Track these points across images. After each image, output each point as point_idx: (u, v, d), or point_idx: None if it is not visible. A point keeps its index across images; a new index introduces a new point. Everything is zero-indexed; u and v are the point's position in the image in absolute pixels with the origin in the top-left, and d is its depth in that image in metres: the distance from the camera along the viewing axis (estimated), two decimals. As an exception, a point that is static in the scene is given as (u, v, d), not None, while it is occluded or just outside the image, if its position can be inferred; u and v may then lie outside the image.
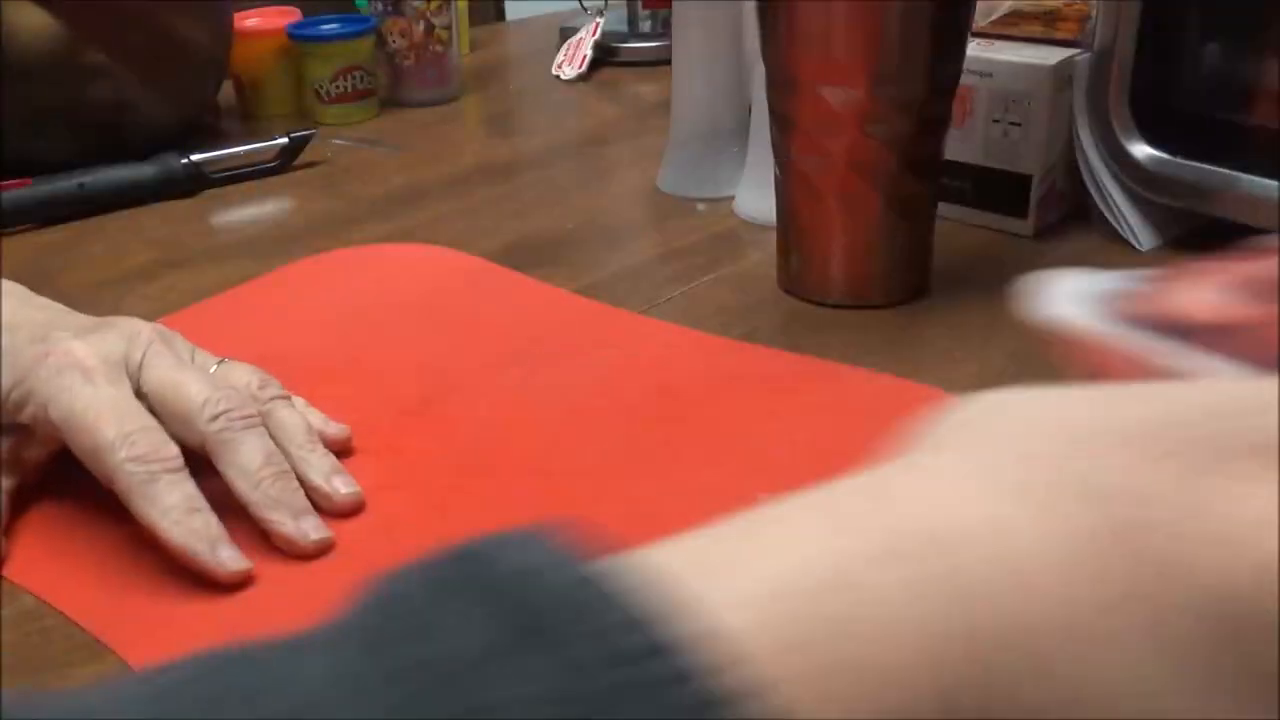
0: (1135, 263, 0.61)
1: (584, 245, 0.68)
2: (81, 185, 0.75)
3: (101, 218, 0.75)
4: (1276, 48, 0.57)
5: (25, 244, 0.72)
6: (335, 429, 0.46)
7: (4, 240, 0.72)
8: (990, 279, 0.60)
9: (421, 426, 0.48)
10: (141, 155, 0.78)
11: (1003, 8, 0.65)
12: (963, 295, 0.58)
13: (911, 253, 0.58)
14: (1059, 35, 0.63)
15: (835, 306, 0.57)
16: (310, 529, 0.40)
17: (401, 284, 0.62)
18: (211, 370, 0.45)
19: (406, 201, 0.76)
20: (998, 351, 0.52)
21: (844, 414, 0.47)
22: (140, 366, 0.42)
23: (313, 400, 0.48)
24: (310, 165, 0.84)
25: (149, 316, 0.59)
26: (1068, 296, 0.25)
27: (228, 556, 0.39)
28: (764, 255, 0.64)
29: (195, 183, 0.79)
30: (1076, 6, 0.63)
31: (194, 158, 0.79)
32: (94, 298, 0.63)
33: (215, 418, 0.41)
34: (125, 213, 0.76)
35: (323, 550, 0.40)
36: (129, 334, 0.43)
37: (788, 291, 0.60)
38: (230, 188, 0.80)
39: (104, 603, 0.39)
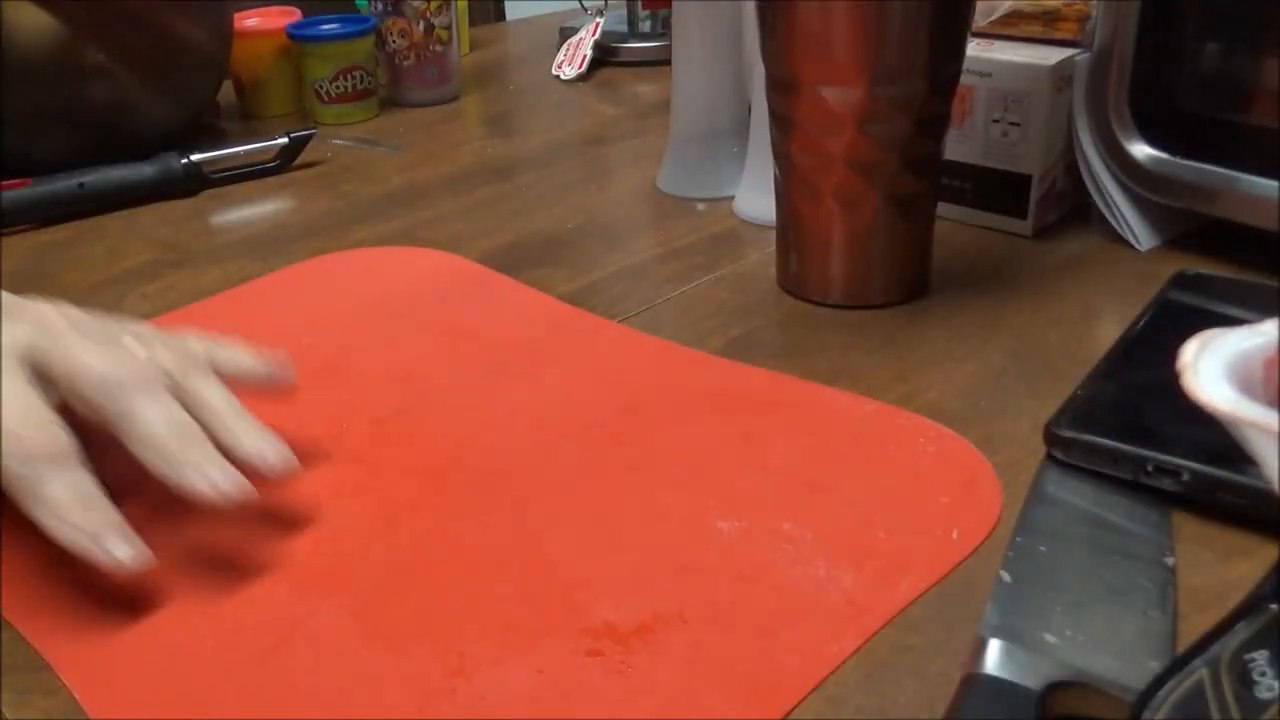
0: (1135, 263, 0.61)
1: (583, 245, 0.68)
2: (81, 185, 0.75)
3: (101, 218, 0.76)
4: (1276, 48, 0.57)
5: (25, 244, 0.72)
6: (264, 369, 0.45)
7: (4, 240, 0.73)
8: (990, 279, 0.60)
9: (389, 436, 0.48)
10: (141, 155, 0.78)
11: (1003, 8, 0.65)
12: (963, 295, 0.58)
13: (911, 253, 0.58)
14: (1059, 35, 0.63)
15: (835, 306, 0.57)
16: (220, 480, 0.38)
17: (392, 289, 0.62)
18: (127, 340, 0.42)
19: (406, 201, 0.76)
20: (997, 351, 0.52)
21: (817, 439, 0.46)
22: (48, 352, 0.41)
23: (289, 404, 0.47)
24: (310, 165, 0.84)
25: (148, 316, 0.60)
26: (1223, 370, 0.24)
27: (117, 548, 0.36)
28: (764, 255, 0.64)
29: (195, 183, 0.79)
30: (1076, 6, 0.63)
31: (194, 158, 0.79)
32: (94, 297, 0.63)
33: (115, 391, 0.39)
34: (125, 213, 0.76)
35: (246, 499, 0.39)
36: (36, 319, 0.42)
37: (787, 291, 0.60)
38: (230, 188, 0.80)
39: (48, 614, 0.39)
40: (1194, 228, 0.62)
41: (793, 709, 0.33)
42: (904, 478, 0.43)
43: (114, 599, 0.39)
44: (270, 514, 0.43)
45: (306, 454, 0.47)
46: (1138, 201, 0.62)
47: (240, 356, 0.45)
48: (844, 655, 0.35)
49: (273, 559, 0.40)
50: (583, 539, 0.41)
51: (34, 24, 0.73)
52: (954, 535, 0.40)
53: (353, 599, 0.38)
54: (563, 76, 1.06)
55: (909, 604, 0.37)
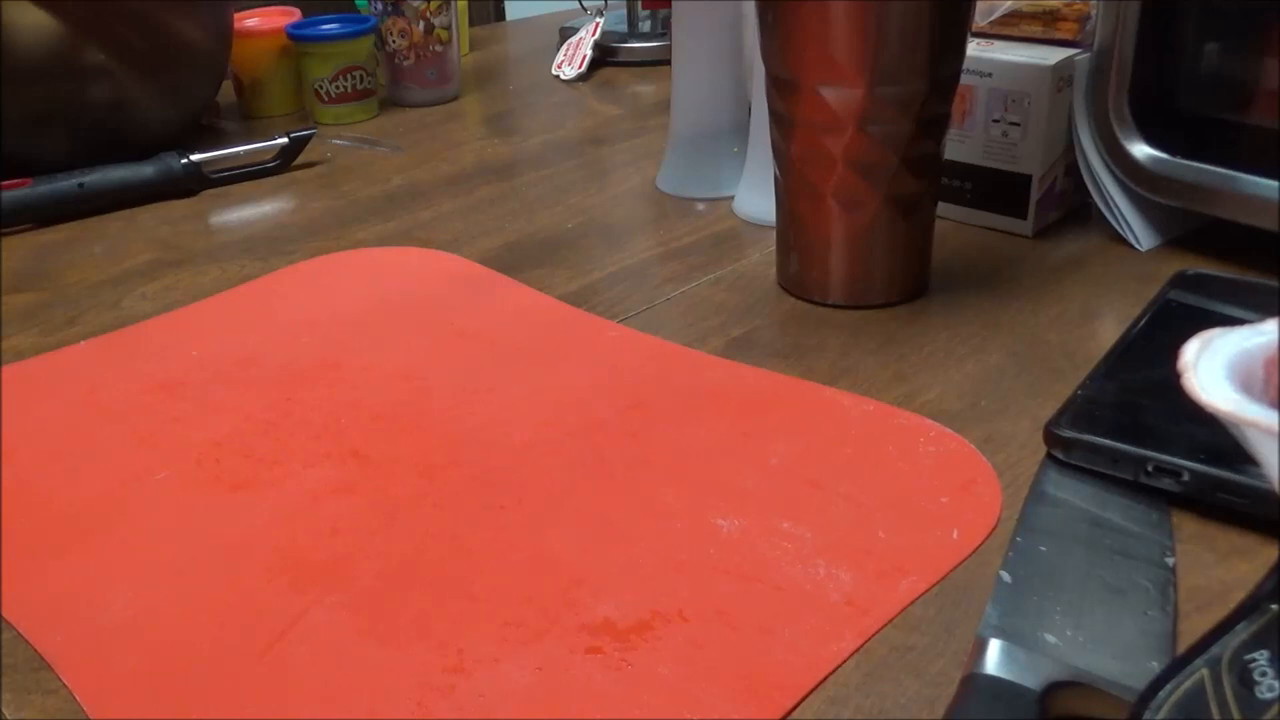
0: (1135, 262, 0.61)
1: (583, 245, 0.68)
2: (81, 185, 0.75)
3: (101, 218, 0.76)
4: (1276, 48, 0.57)
5: (25, 244, 0.72)
6: None
7: (4, 240, 0.72)
8: (990, 279, 0.60)
9: (389, 433, 0.48)
10: (141, 155, 0.78)
11: (1003, 8, 0.65)
12: (962, 295, 0.58)
13: (911, 252, 0.57)
14: (1059, 35, 0.63)
15: (834, 306, 0.57)
16: None
17: (392, 289, 0.62)
18: None
19: (406, 201, 0.76)
20: (997, 351, 0.52)
21: (817, 439, 0.46)
22: None
23: (288, 401, 0.47)
24: (310, 165, 0.84)
25: (149, 316, 0.60)
26: (1224, 370, 0.24)
27: None
28: (763, 255, 0.64)
29: (195, 183, 0.79)
30: (1076, 6, 0.63)
31: (194, 158, 0.79)
32: (94, 297, 0.63)
33: None
34: (125, 213, 0.76)
35: None
36: None
37: (787, 291, 0.60)
38: (230, 188, 0.80)
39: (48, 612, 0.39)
40: (1194, 228, 0.62)
41: (793, 709, 0.33)
42: (904, 478, 0.43)
43: (114, 598, 0.39)
44: (269, 510, 0.43)
45: (306, 451, 0.47)
46: (1138, 201, 0.62)
47: None
48: (844, 655, 0.35)
49: (271, 556, 0.40)
50: (582, 537, 0.41)
51: (34, 24, 0.73)
52: (954, 535, 0.40)
53: (351, 595, 0.38)
54: (563, 76, 1.06)
55: (909, 604, 0.37)
